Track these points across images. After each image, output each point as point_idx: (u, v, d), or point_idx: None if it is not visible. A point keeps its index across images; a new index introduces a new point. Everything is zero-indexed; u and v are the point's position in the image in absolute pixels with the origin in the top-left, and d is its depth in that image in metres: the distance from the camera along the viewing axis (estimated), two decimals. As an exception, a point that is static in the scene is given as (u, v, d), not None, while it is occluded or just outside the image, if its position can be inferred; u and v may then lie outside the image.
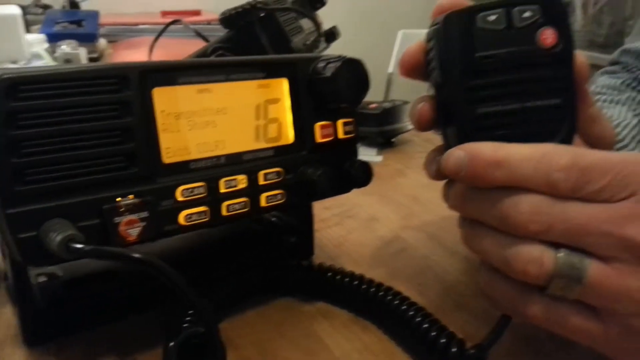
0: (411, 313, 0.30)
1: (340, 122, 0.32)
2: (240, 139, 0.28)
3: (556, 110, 0.27)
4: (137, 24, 1.29)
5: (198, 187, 0.26)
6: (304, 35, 0.62)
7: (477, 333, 0.29)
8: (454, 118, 0.28)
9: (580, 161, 0.24)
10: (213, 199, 0.27)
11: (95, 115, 0.23)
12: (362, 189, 0.47)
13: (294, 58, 0.30)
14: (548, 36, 0.26)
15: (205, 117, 0.27)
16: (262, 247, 0.38)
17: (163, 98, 0.25)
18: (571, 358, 0.30)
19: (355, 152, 0.33)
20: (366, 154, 0.62)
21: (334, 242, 0.43)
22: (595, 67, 0.60)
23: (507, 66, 0.26)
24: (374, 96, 0.79)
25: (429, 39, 0.29)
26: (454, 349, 0.28)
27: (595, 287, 0.24)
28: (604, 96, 0.55)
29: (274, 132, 0.30)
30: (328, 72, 0.29)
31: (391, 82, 1.62)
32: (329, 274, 0.33)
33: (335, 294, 0.34)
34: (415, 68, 0.30)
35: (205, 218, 0.27)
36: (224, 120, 0.28)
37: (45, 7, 1.32)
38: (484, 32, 0.26)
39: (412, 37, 1.36)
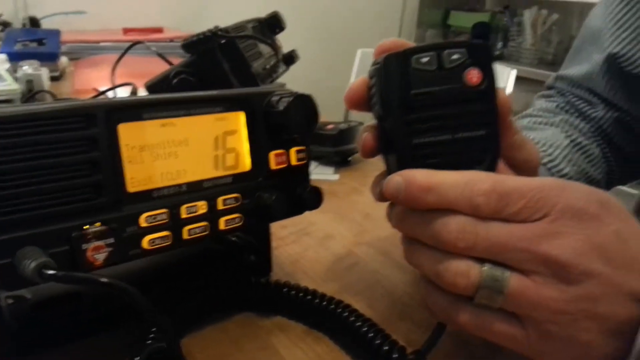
0: (358, 324, 0.33)
1: (293, 150, 0.35)
2: (201, 168, 0.31)
3: (482, 141, 0.30)
4: (98, 42, 1.29)
5: (161, 213, 0.29)
6: (264, 60, 0.65)
7: (420, 340, 0.32)
8: (394, 147, 0.31)
9: (499, 187, 0.28)
10: (175, 224, 0.29)
11: (64, 151, 0.25)
12: (321, 207, 0.51)
13: (249, 93, 0.33)
14: (473, 76, 0.29)
15: (167, 149, 0.29)
16: (223, 265, 0.40)
17: (128, 133, 0.28)
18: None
19: (307, 178, 0.36)
20: (323, 172, 0.65)
21: (291, 259, 0.46)
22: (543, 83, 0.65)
23: (439, 102, 0.30)
24: (334, 114, 0.83)
25: (371, 76, 0.32)
26: (395, 355, 0.31)
27: (515, 297, 0.28)
28: (540, 118, 0.60)
29: (232, 161, 0.32)
30: (281, 106, 0.32)
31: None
32: (285, 289, 0.36)
33: (291, 308, 0.36)
34: (359, 102, 0.33)
35: (167, 242, 0.29)
36: (185, 151, 0.30)
37: (5, 24, 1.31)
38: (418, 72, 0.29)
39: (371, 55, 1.40)
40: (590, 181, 0.56)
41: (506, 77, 1.23)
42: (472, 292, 0.28)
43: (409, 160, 0.30)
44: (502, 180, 0.28)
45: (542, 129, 0.58)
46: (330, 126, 0.68)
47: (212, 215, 0.31)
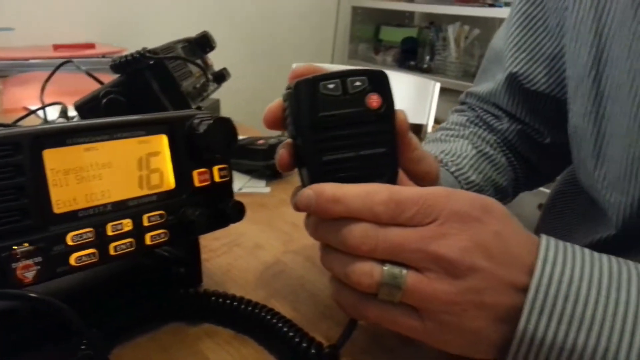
0: (279, 325, 0.36)
1: (215, 168, 0.38)
2: (125, 188, 0.33)
3: (382, 157, 0.34)
4: (28, 59, 1.26)
5: (86, 232, 0.31)
6: (194, 79, 0.67)
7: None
8: (305, 163, 0.35)
9: (395, 196, 0.32)
10: (101, 241, 0.32)
11: (-9, 177, 0.27)
12: (250, 219, 0.54)
13: (170, 117, 0.35)
14: (374, 100, 0.34)
15: (91, 172, 0.31)
16: (154, 278, 0.42)
17: (52, 158, 0.30)
18: (410, 350, 0.38)
19: (230, 193, 0.39)
20: (255, 186, 0.68)
21: (222, 270, 0.48)
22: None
23: (344, 123, 0.33)
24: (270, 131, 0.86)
25: (285, 99, 0.36)
26: (313, 351, 0.34)
27: (412, 291, 0.32)
28: (452, 131, 0.66)
29: (157, 180, 0.35)
30: (201, 129, 0.35)
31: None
32: (212, 298, 0.39)
33: (219, 315, 0.39)
34: (275, 122, 0.37)
35: (94, 259, 0.31)
36: (109, 173, 0.32)
37: None
38: (325, 97, 0.33)
39: (305, 69, 1.44)
40: (497, 188, 0.62)
41: (431, 90, 1.30)
42: (376, 289, 0.32)
43: (319, 175, 0.34)
44: (398, 190, 0.33)
45: (452, 141, 0.64)
46: (261, 141, 0.71)
47: (138, 231, 0.33)
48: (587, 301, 0.31)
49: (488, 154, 0.63)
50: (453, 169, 0.59)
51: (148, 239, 0.34)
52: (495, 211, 0.33)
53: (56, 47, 1.42)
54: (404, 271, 0.32)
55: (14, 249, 0.28)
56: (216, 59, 0.74)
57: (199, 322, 0.39)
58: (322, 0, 2.48)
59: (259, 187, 0.68)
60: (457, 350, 0.34)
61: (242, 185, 0.69)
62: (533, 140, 0.64)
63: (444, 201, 0.32)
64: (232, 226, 0.56)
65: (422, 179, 0.39)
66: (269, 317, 0.37)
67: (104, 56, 1.33)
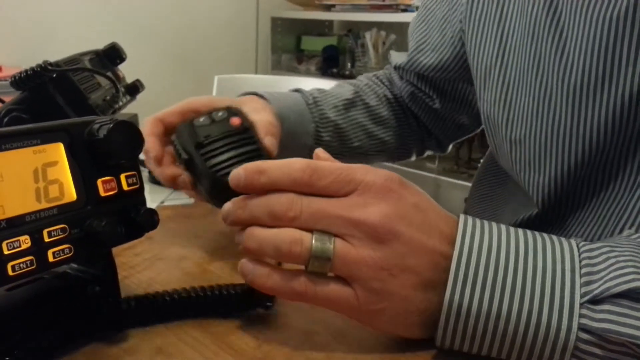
0: (200, 293, 0.39)
1: (123, 176, 0.36)
2: (21, 202, 0.31)
3: (254, 151, 0.46)
4: None
5: (-22, 252, 0.28)
6: (103, 91, 0.64)
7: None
8: (199, 174, 0.46)
9: (312, 164, 0.34)
10: (-5, 261, 0.29)
11: None
12: (174, 232, 0.53)
13: (65, 124, 0.33)
14: (235, 120, 0.47)
15: (-21, 187, 0.29)
16: (67, 301, 0.39)
17: None
18: (341, 345, 0.37)
19: (142, 201, 0.37)
20: (178, 198, 0.66)
21: (144, 285, 0.46)
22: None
23: (218, 139, 0.45)
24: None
25: (172, 140, 0.49)
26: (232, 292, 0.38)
27: (340, 259, 0.32)
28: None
29: (56, 192, 0.32)
30: (101, 134, 0.33)
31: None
32: (126, 301, 0.38)
33: (138, 314, 0.38)
34: (162, 158, 0.51)
35: (-12, 281, 0.29)
36: (1, 187, 0.30)
37: None
38: (201, 127, 0.47)
39: (228, 81, 1.43)
40: (370, 135, 0.70)
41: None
42: (306, 259, 0.33)
43: (211, 177, 0.44)
44: (315, 161, 0.35)
45: (342, 86, 0.72)
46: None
47: (38, 248, 0.31)
48: (506, 269, 0.32)
49: (366, 103, 0.70)
50: (311, 101, 0.65)
51: (50, 255, 0.31)
52: (411, 187, 0.35)
53: (-44, 70, 1.33)
54: (332, 238, 0.33)
55: None
56: (134, 73, 0.71)
57: (119, 339, 0.37)
58: (241, 11, 2.48)
59: (183, 198, 0.66)
60: (391, 326, 0.34)
61: (165, 198, 0.66)
62: (425, 104, 0.72)
63: (362, 174, 0.34)
64: (155, 240, 0.54)
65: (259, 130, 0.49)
66: (186, 294, 0.38)
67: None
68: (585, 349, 0.31)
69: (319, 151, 0.38)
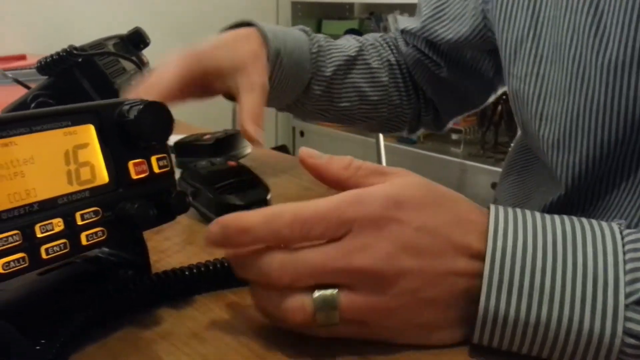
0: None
1: (154, 158, 0.35)
2: (53, 185, 0.30)
3: (251, 180, 0.53)
4: (-50, 75, 1.18)
5: (12, 235, 0.28)
6: (128, 76, 0.63)
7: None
8: (208, 202, 0.52)
9: (300, 215, 0.30)
10: (30, 244, 0.28)
11: None
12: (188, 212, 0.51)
13: (96, 105, 0.32)
14: (231, 163, 0.56)
15: (12, 169, 0.28)
16: (100, 285, 0.39)
17: (-36, 156, 0.26)
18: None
19: (173, 184, 0.37)
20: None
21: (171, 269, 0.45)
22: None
23: (219, 176, 0.53)
24: (219, 124, 0.83)
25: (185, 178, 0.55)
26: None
27: (348, 310, 0.30)
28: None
29: (87, 175, 0.32)
30: (132, 115, 0.32)
31: (237, 112, 1.67)
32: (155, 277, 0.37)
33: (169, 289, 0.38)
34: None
35: (24, 264, 0.28)
36: (33, 170, 0.29)
37: None
38: (203, 168, 0.55)
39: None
40: (363, 98, 0.66)
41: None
42: (312, 320, 0.30)
43: (217, 201, 0.51)
44: (301, 208, 0.31)
45: (348, 40, 0.68)
46: (207, 136, 0.69)
47: (71, 231, 0.30)
48: (544, 270, 0.30)
49: (368, 64, 0.66)
50: (315, 49, 0.62)
51: (84, 238, 0.31)
52: (409, 203, 0.31)
53: (-18, 60, 1.34)
54: (335, 291, 0.30)
55: None
56: (154, 59, 0.71)
57: (152, 322, 0.37)
58: (261, -4, 2.46)
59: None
60: (421, 339, 0.33)
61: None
62: (431, 72, 0.67)
63: (354, 210, 0.30)
64: (183, 224, 0.54)
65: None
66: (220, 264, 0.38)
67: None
68: (633, 353, 0.28)
69: (304, 152, 0.34)
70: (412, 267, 0.30)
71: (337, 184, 0.34)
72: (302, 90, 0.63)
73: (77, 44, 0.59)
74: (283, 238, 0.31)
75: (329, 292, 0.30)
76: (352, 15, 2.69)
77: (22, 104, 0.59)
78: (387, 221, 0.30)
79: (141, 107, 0.32)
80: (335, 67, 0.63)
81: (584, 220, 0.32)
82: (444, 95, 0.70)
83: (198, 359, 0.34)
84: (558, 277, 0.29)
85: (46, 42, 1.80)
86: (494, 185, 1.58)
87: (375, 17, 2.37)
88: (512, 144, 0.75)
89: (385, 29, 2.25)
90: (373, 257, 0.30)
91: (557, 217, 0.32)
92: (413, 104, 0.71)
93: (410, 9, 2.19)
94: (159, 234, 0.51)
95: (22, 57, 1.45)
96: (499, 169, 0.81)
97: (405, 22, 0.68)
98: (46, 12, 1.89)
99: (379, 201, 0.31)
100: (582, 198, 0.49)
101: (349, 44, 0.67)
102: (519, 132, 0.70)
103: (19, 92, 0.74)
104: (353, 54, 0.65)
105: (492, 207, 0.32)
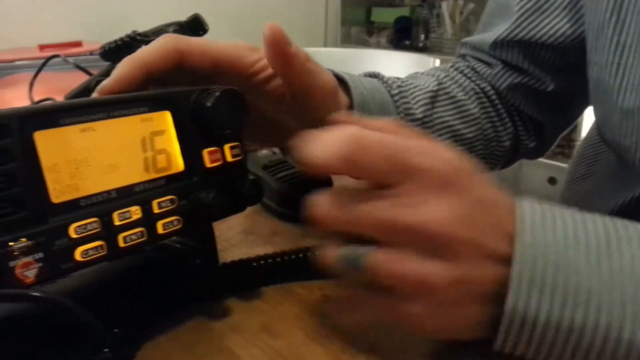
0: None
1: (227, 147, 0.34)
2: (130, 172, 0.30)
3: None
4: (13, 61, 1.22)
5: (91, 222, 0.27)
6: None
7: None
8: (269, 189, 0.51)
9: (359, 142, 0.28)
10: (108, 232, 0.28)
11: (-23, 165, 0.23)
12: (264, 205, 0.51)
13: (173, 92, 0.32)
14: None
15: (90, 154, 0.28)
16: (168, 273, 0.39)
17: (45, 140, 0.26)
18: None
19: (246, 173, 0.36)
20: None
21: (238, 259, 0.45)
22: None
23: (277, 163, 0.53)
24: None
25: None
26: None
27: (377, 273, 0.28)
28: (428, 73, 0.61)
29: (163, 162, 0.31)
30: (208, 102, 0.31)
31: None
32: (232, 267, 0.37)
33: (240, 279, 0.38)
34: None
35: (102, 252, 0.28)
36: (110, 156, 0.29)
37: None
38: (263, 157, 0.55)
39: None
40: (458, 137, 0.56)
41: (431, 65, 1.26)
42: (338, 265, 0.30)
43: (278, 188, 0.50)
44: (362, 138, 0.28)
45: (419, 78, 0.58)
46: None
47: (148, 219, 0.30)
48: (578, 270, 0.27)
49: (453, 96, 0.57)
50: (395, 91, 0.53)
51: (160, 227, 0.30)
52: (473, 173, 0.29)
53: (42, 47, 1.38)
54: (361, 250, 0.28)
55: (10, 246, 0.24)
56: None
57: (223, 313, 0.36)
58: (310, -17, 2.44)
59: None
60: (446, 331, 0.30)
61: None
62: (533, 90, 0.58)
63: (419, 159, 0.28)
64: (245, 213, 0.53)
65: (318, 93, 0.40)
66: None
67: (91, 53, 1.29)
68: None
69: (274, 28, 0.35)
70: (464, 237, 0.27)
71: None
72: None
73: (132, 30, 0.59)
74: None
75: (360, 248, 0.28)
76: (402, 2, 2.63)
77: (85, 89, 0.60)
78: (448, 183, 0.28)
79: (218, 93, 0.31)
80: (422, 106, 0.55)
81: (621, 220, 0.29)
82: (553, 111, 0.60)
83: (271, 353, 0.33)
84: (594, 278, 0.27)
85: (100, 29, 1.84)
86: (551, 180, 1.52)
87: (427, 4, 2.30)
88: (580, 137, 0.70)
89: (439, 16, 2.20)
90: (427, 216, 0.27)
91: (593, 216, 0.29)
92: (510, 132, 0.60)
93: (464, -4, 2.13)
94: (223, 223, 0.50)
95: (78, 44, 1.48)
96: (556, 163, 0.77)
97: (484, 36, 0.59)
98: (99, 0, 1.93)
99: (445, 159, 0.28)
100: None
101: (424, 80, 0.57)
102: (592, 124, 0.66)
103: (77, 78, 0.75)
104: (434, 89, 0.56)
105: (524, 199, 0.30)
